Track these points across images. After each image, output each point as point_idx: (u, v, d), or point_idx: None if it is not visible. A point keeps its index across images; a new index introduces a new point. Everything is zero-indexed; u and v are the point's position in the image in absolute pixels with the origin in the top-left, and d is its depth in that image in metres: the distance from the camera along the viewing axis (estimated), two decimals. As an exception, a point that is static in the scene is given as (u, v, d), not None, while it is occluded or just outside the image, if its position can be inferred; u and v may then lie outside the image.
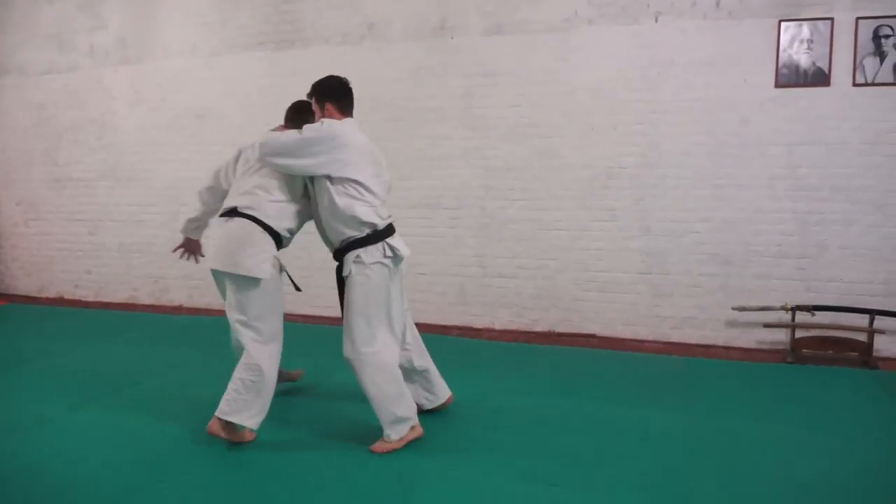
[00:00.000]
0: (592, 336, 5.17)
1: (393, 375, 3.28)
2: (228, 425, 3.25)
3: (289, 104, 6.15)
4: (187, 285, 6.53)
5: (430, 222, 5.57)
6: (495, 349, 5.04)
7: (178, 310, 6.53)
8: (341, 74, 5.62)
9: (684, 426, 3.54)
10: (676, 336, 4.97)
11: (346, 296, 3.33)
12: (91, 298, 6.95)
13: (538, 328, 5.34)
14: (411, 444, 3.31)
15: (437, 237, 5.56)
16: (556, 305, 5.26)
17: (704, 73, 4.74)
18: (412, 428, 3.30)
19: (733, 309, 4.77)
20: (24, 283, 7.37)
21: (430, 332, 5.46)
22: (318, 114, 3.45)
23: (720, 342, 4.89)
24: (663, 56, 4.81)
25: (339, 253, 3.34)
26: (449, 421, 3.66)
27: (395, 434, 3.26)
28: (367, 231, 3.24)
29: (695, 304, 4.92)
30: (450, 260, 5.54)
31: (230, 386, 3.26)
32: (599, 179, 5.04)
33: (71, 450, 3.34)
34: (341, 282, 3.36)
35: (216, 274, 3.43)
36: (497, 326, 5.45)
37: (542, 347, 5.06)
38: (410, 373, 3.58)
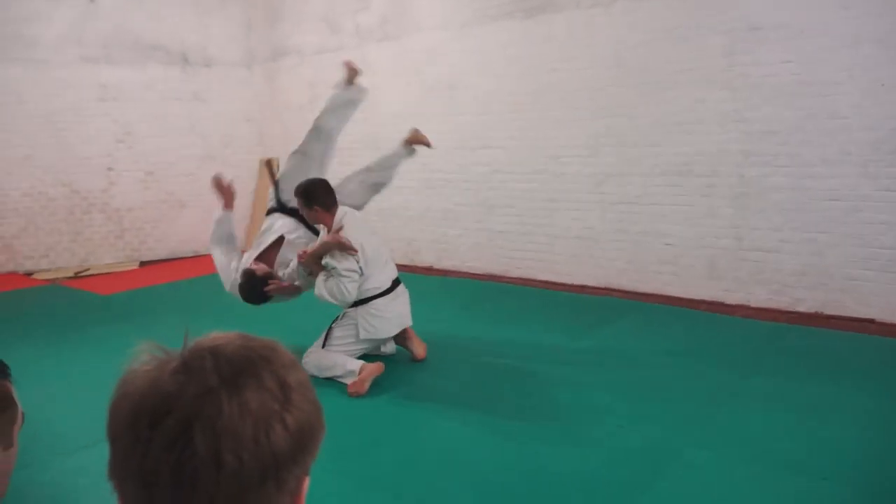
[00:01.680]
0: (870, 321, 4.56)
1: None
2: None
3: (536, 73, 6.19)
4: (437, 248, 6.95)
5: (679, 190, 5.29)
6: (750, 328, 4.68)
7: (428, 270, 6.99)
8: (592, 40, 5.55)
9: None
10: (983, 327, 4.21)
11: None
12: (353, 257, 7.71)
13: (802, 308, 4.84)
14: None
15: (687, 206, 5.26)
16: (826, 284, 4.72)
17: None
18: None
19: None
20: (300, 242, 8.38)
21: (676, 306, 5.25)
22: (308, 213, 3.95)
23: None
24: (984, -7, 4.01)
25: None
26: (700, 405, 3.50)
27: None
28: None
29: None
30: (700, 231, 5.22)
31: None
32: (888, 142, 4.37)
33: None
34: None
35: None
36: (753, 304, 5.04)
37: (807, 329, 4.59)
38: None
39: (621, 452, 2.95)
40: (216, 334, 0.69)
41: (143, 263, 8.00)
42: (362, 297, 3.91)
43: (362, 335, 3.92)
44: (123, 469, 0.63)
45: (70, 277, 7.26)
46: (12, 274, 7.40)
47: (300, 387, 0.67)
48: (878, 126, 4.41)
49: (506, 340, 4.57)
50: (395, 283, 4.11)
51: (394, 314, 4.02)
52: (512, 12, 6.05)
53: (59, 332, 5.07)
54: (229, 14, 8.55)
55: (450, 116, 6.63)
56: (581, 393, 3.63)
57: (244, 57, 8.69)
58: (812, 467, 2.76)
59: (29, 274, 7.42)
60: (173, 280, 6.99)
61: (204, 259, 8.19)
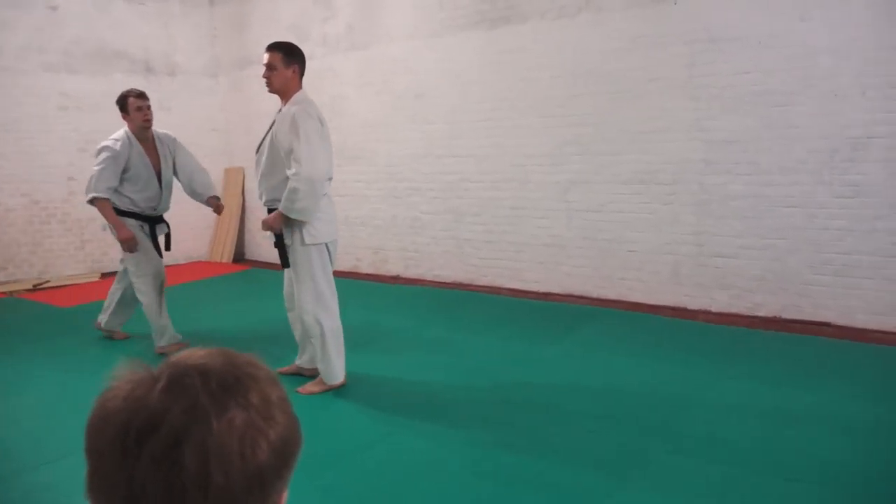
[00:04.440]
0: (826, 324, 4.69)
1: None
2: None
3: (503, 82, 6.26)
4: (404, 257, 6.95)
5: (643, 198, 5.38)
6: (711, 333, 4.77)
7: (395, 279, 6.99)
8: (557, 50, 5.64)
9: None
10: (934, 329, 4.35)
11: None
12: (321, 266, 7.65)
13: (761, 313, 4.95)
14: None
15: (651, 214, 5.36)
16: (784, 289, 4.84)
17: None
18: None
19: None
20: (267, 252, 8.30)
21: (640, 312, 5.32)
22: (281, 71, 3.66)
23: None
24: (930, 7, 4.17)
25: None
26: (666, 408, 3.55)
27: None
28: None
29: (960, 293, 4.26)
30: (663, 237, 5.32)
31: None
32: (842, 151, 4.52)
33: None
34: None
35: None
36: (714, 309, 5.14)
37: (766, 333, 4.70)
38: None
39: (591, 458, 2.98)
40: (197, 351, 0.71)
41: (104, 275, 7.84)
42: None
43: (308, 240, 3.68)
44: (108, 486, 0.63)
45: (29, 290, 7.09)
46: (-32, 286, 7.21)
47: (281, 402, 0.69)
48: (832, 135, 4.55)
49: (472, 349, 4.59)
50: None
51: (333, 218, 3.88)
52: (478, 22, 6.12)
53: (18, 345, 4.95)
54: (194, 23, 8.48)
55: (418, 125, 6.67)
56: (549, 399, 3.66)
57: (209, 66, 8.62)
58: (778, 468, 2.81)
59: (-14, 286, 7.23)
60: (136, 291, 6.86)
61: (168, 270, 8.04)
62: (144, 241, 4.67)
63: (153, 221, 4.78)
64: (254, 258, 8.51)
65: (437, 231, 6.66)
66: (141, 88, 8.02)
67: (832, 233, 4.62)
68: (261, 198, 3.95)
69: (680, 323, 5.04)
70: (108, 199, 4.52)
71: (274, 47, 3.71)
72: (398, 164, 6.87)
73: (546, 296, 5.92)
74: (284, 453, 0.67)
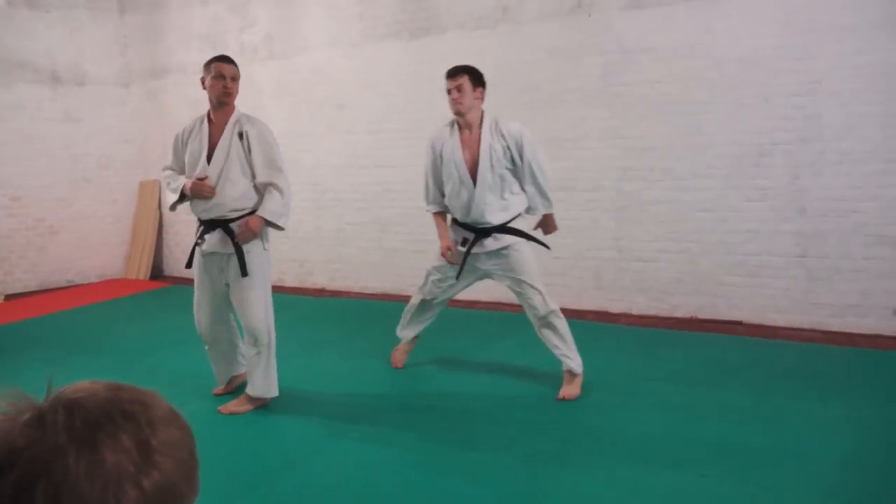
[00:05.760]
0: (739, 323, 4.89)
1: None
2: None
3: (425, 92, 6.27)
4: (330, 269, 6.84)
5: (565, 205, 5.45)
6: (632, 335, 4.89)
7: (321, 292, 6.87)
8: (477, 60, 5.67)
9: (846, 418, 3.27)
10: (837, 325, 4.59)
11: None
12: (243, 281, 7.45)
13: (679, 314, 5.12)
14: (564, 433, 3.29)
15: (573, 220, 5.45)
16: (700, 290, 5.02)
17: (875, 37, 4.31)
18: None
19: (905, 296, 4.34)
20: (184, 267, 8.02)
21: (566, 317, 5.39)
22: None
23: (888, 332, 4.46)
24: (824, 20, 4.42)
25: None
26: (590, 412, 3.61)
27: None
28: None
29: (858, 290, 4.51)
30: (586, 243, 5.43)
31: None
32: (749, 157, 4.73)
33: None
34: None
35: None
36: (635, 311, 5.28)
37: (684, 334, 4.86)
38: None
39: (514, 462, 2.99)
40: (82, 384, 0.64)
41: (8, 297, 7.40)
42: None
43: (266, 246, 3.71)
44: None
45: (-77, 314, 6.60)
46: None
47: (167, 446, 0.62)
48: (740, 141, 4.76)
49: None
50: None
51: None
52: (398, 32, 6.11)
53: None
54: (103, 31, 8.13)
55: (340, 135, 6.59)
56: (475, 406, 3.66)
57: (120, 75, 8.28)
58: (690, 465, 2.89)
59: None
60: (44, 314, 6.49)
61: (80, 289, 7.67)
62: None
63: (478, 234, 3.79)
64: (172, 274, 8.20)
65: (363, 242, 6.59)
66: (47, 99, 7.70)
67: (742, 235, 4.82)
68: (207, 211, 3.62)
69: (603, 327, 5.14)
70: (437, 212, 3.95)
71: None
72: (321, 175, 6.77)
73: (473, 304, 5.94)
74: (162, 503, 0.60)
